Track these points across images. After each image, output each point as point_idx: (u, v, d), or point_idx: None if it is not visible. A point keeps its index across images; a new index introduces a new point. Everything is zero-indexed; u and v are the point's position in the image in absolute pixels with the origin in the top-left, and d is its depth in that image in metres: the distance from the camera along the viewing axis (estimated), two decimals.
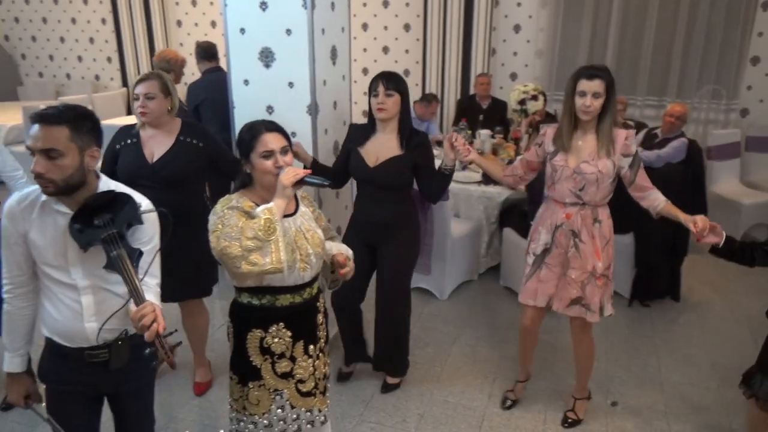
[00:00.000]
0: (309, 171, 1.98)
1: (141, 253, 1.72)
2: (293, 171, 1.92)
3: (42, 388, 1.92)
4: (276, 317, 2.01)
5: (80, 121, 1.66)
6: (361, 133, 2.89)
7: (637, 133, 5.07)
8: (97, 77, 8.75)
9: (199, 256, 2.73)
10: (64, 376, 1.84)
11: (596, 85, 2.44)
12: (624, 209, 3.09)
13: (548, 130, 2.69)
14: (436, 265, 4.16)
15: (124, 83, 8.42)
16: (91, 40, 8.59)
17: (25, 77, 9.20)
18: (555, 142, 2.63)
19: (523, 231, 4.05)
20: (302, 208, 2.07)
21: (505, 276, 4.39)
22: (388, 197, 2.83)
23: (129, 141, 2.79)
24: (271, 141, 1.92)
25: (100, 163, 1.80)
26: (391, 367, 3.20)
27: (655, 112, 6.06)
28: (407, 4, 6.86)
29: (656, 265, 4.02)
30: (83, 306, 1.75)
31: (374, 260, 2.99)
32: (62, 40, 8.77)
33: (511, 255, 4.25)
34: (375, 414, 3.02)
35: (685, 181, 4.17)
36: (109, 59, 8.55)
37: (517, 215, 4.28)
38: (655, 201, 2.57)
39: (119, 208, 1.70)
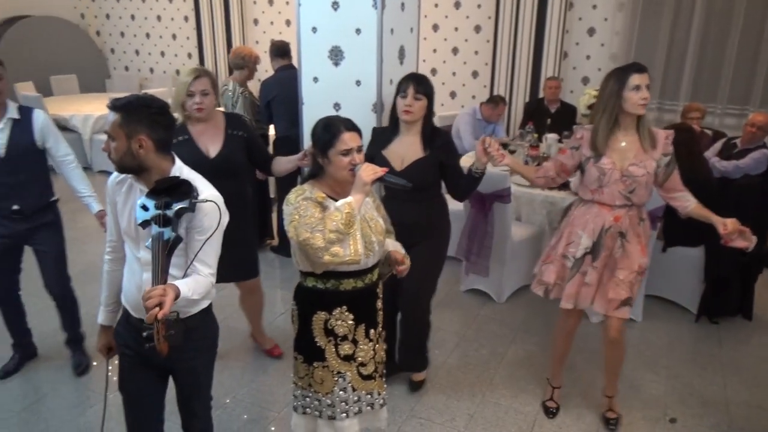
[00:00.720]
0: (386, 170, 2.05)
1: (180, 240, 1.78)
2: (372, 169, 2.00)
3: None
4: (340, 300, 2.09)
5: (132, 110, 1.78)
6: (383, 137, 2.89)
7: (714, 142, 4.87)
8: (177, 72, 9.18)
9: (252, 237, 2.89)
10: (129, 341, 1.99)
11: (647, 78, 2.47)
12: (694, 221, 3.00)
13: (585, 134, 2.66)
14: (494, 267, 4.14)
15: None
16: (174, 37, 9.04)
17: (112, 71, 9.79)
18: (593, 145, 2.60)
19: None
20: (366, 199, 2.14)
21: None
22: (417, 198, 2.81)
23: (180, 138, 2.87)
24: (350, 140, 2.01)
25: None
26: (416, 364, 3.21)
27: (736, 122, 5.78)
28: (479, 6, 6.83)
29: (727, 280, 3.85)
30: (143, 281, 1.88)
31: None
32: (148, 36, 9.27)
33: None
34: (425, 411, 3.05)
35: (765, 194, 3.98)
36: (189, 55, 8.97)
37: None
38: (686, 202, 2.59)
39: (177, 194, 1.80)
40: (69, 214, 3.44)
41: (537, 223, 4.37)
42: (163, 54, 9.24)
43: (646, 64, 6.32)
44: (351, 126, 2.05)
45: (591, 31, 6.44)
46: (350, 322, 2.12)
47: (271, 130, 4.83)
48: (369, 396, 2.21)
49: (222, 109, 4.33)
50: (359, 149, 2.04)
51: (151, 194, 1.78)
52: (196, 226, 1.84)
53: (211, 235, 1.84)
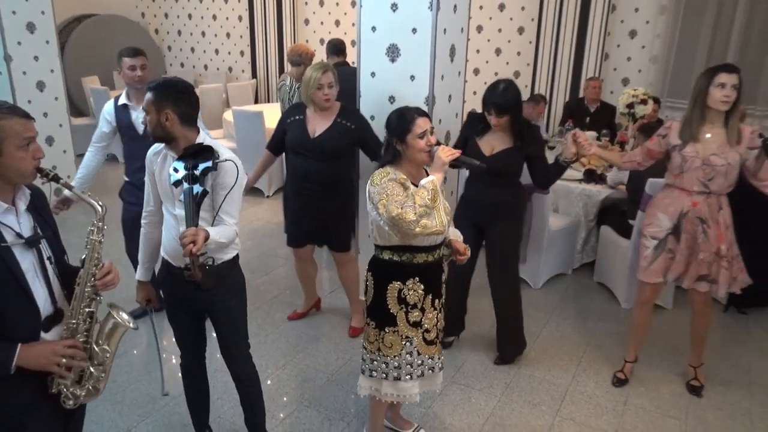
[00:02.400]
0: (461, 151, 2.35)
1: (206, 193, 2.15)
2: (449, 150, 2.28)
3: None
4: (413, 272, 2.37)
5: (160, 89, 2.16)
6: (479, 125, 3.18)
7: None
8: (230, 69, 9.65)
9: (348, 215, 3.42)
10: (170, 287, 2.39)
11: (735, 78, 2.72)
12: None
13: (674, 124, 2.95)
14: (531, 255, 4.40)
15: (254, 75, 9.24)
16: (228, 35, 9.50)
17: (169, 67, 10.32)
18: (682, 134, 2.88)
19: (622, 230, 4.19)
20: None
21: (600, 272, 4.54)
22: (499, 183, 3.13)
23: (297, 117, 3.37)
24: (424, 123, 2.29)
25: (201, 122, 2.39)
26: (509, 348, 3.48)
27: None
28: (523, 8, 7.06)
29: (758, 271, 4.00)
30: (180, 234, 2.19)
31: (480, 240, 3.31)
32: (203, 34, 9.76)
33: (608, 252, 4.39)
34: (465, 378, 3.34)
35: None
36: (242, 53, 9.41)
37: (617, 214, 4.41)
38: None
39: (202, 157, 2.16)
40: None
41: (573, 214, 4.61)
42: (217, 52, 9.71)
43: (685, 66, 6.55)
44: (421, 112, 2.33)
45: (632, 34, 6.60)
46: (420, 291, 2.39)
47: None
48: (430, 360, 2.50)
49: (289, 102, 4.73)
50: (432, 131, 2.31)
51: (180, 159, 2.16)
52: (219, 183, 2.20)
53: (231, 189, 2.20)
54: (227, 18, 9.39)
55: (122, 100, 3.53)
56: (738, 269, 3.00)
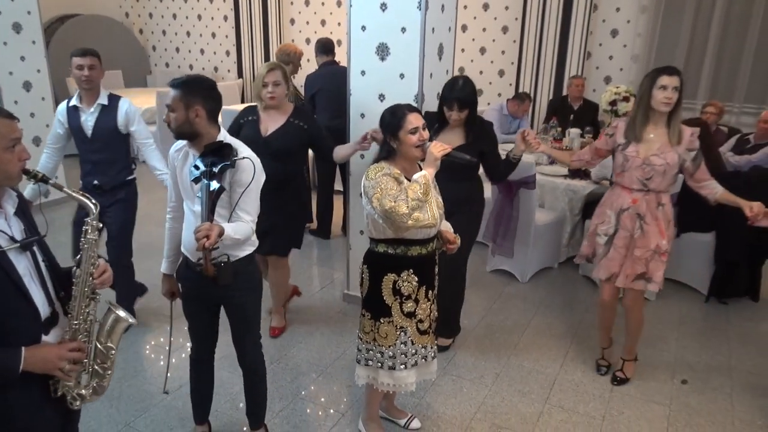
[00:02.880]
0: (452, 147, 2.42)
1: (223, 189, 2.20)
2: (441, 145, 2.35)
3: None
4: (407, 264, 2.44)
5: (190, 86, 2.20)
6: (434, 124, 3.21)
7: (730, 138, 5.16)
8: (215, 69, 9.65)
9: (291, 217, 3.38)
10: (189, 281, 2.44)
11: (676, 80, 2.81)
12: (705, 208, 3.34)
13: (620, 123, 3.04)
14: (519, 249, 4.49)
15: (240, 74, 9.25)
16: (213, 35, 9.50)
17: (153, 67, 10.29)
18: (627, 134, 2.97)
19: None
20: None
21: (585, 265, 4.63)
22: (456, 177, 3.09)
23: (251, 118, 3.40)
24: (415, 120, 2.35)
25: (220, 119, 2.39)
26: (446, 330, 3.54)
27: (753, 120, 5.99)
28: (507, 8, 7.17)
29: (736, 263, 4.15)
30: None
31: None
32: (188, 34, 9.75)
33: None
34: (456, 369, 3.41)
35: None
36: (227, 53, 9.42)
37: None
38: (714, 189, 2.94)
39: (222, 154, 2.21)
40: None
41: (559, 209, 4.71)
42: (202, 51, 9.70)
43: (665, 64, 6.72)
44: (413, 108, 2.41)
45: (614, 33, 6.74)
46: (415, 283, 2.46)
47: None
48: (424, 349, 2.57)
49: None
50: (424, 127, 2.38)
51: (201, 156, 2.20)
52: (237, 180, 2.25)
53: (247, 187, 2.25)
54: (212, 18, 9.39)
55: (73, 102, 3.44)
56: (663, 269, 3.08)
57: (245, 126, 3.40)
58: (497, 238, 4.44)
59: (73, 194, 1.74)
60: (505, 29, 7.26)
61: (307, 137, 3.40)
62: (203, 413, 2.76)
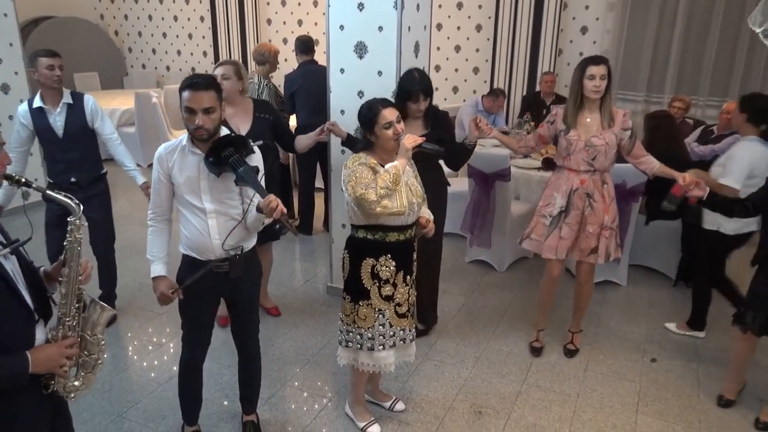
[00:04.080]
0: (425, 138, 2.55)
1: (258, 169, 2.32)
2: (413, 138, 2.48)
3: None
4: (385, 249, 2.56)
5: (217, 85, 2.29)
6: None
7: (694, 129, 5.38)
8: (193, 69, 9.67)
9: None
10: (197, 280, 2.40)
11: (603, 68, 3.05)
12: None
13: (559, 111, 3.27)
14: (496, 240, 4.65)
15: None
16: (190, 36, 9.52)
17: (130, 69, 10.27)
18: (565, 121, 3.20)
19: None
20: (407, 168, 2.60)
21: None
22: (426, 166, 3.18)
23: None
24: (390, 114, 2.47)
25: None
26: (423, 318, 3.70)
27: (716, 112, 6.24)
28: (480, 6, 7.34)
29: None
30: (209, 227, 2.36)
31: None
32: (164, 35, 9.75)
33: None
34: (438, 354, 3.55)
35: None
36: (204, 53, 9.45)
37: None
38: (651, 164, 3.20)
39: (237, 143, 2.30)
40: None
41: (533, 201, 4.86)
42: (179, 53, 9.72)
43: (633, 60, 6.98)
44: (388, 103, 2.54)
45: (584, 30, 6.95)
46: (392, 268, 2.58)
47: (293, 121, 5.33)
48: (402, 332, 2.69)
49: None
50: (398, 120, 2.51)
51: (213, 150, 2.26)
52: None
53: (260, 173, 2.35)
54: (189, 19, 9.41)
55: (37, 103, 3.43)
56: (615, 244, 3.33)
57: None
58: (474, 230, 4.58)
59: (56, 196, 1.73)
60: (479, 27, 7.43)
61: (273, 128, 3.52)
62: (196, 415, 2.78)
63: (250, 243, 2.49)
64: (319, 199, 5.61)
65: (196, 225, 2.37)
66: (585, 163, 3.19)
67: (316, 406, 3.07)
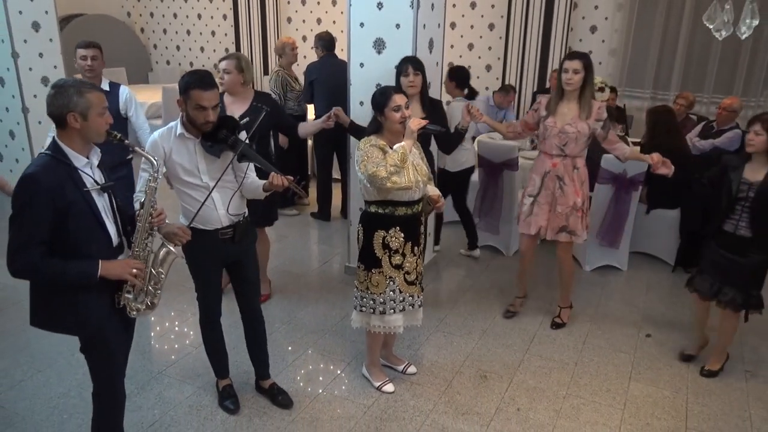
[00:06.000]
0: (428, 121, 2.86)
1: (252, 145, 2.63)
2: (418, 121, 2.80)
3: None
4: (394, 222, 2.86)
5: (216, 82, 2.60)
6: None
7: (697, 125, 5.62)
8: (215, 66, 10.00)
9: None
10: (205, 251, 2.72)
11: (575, 64, 3.38)
12: (671, 187, 3.82)
13: (543, 99, 3.59)
14: (503, 227, 4.92)
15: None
16: (213, 34, 9.88)
17: (155, 65, 10.66)
18: (547, 107, 3.52)
19: None
20: (414, 150, 2.91)
21: None
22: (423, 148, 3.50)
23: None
24: (399, 99, 2.78)
25: None
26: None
27: None
28: (493, 6, 7.61)
29: (698, 233, 4.59)
30: (214, 200, 2.66)
31: None
32: (188, 33, 10.12)
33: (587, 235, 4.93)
34: (447, 327, 3.84)
35: None
36: (226, 50, 9.78)
37: None
38: (624, 149, 3.54)
39: (228, 124, 2.60)
40: None
41: None
42: (202, 49, 10.08)
43: (641, 58, 7.25)
44: (398, 90, 2.86)
45: (593, 29, 7.20)
46: (401, 239, 2.89)
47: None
48: (411, 297, 3.00)
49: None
50: (407, 105, 2.81)
51: (209, 134, 2.56)
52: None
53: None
54: (212, 17, 9.77)
55: None
56: (585, 225, 3.64)
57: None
58: (482, 215, 4.87)
59: (141, 151, 2.30)
60: (491, 26, 7.70)
61: (269, 117, 3.73)
62: (227, 367, 3.10)
63: (246, 210, 2.85)
64: (336, 189, 5.91)
65: (200, 200, 2.59)
66: (557, 148, 3.51)
67: (337, 369, 3.38)
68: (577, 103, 3.47)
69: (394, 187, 2.73)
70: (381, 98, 2.81)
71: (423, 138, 3.07)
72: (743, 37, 4.19)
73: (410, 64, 3.56)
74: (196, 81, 2.50)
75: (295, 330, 3.78)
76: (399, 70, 3.61)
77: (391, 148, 2.80)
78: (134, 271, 2.13)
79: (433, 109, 3.68)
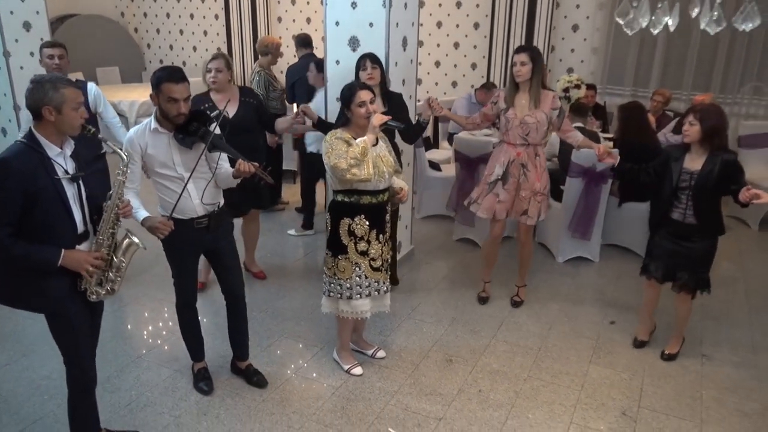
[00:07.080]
0: (390, 117, 2.99)
1: (222, 136, 2.78)
2: (380, 117, 2.94)
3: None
4: (359, 210, 3.01)
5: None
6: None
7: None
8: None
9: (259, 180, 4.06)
10: (183, 240, 2.85)
11: (522, 56, 3.58)
12: (642, 182, 3.94)
13: (501, 93, 3.76)
14: (479, 220, 5.02)
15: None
16: (205, 33, 10.02)
17: (148, 64, 10.80)
18: (505, 101, 3.69)
19: (555, 195, 4.88)
20: (380, 143, 3.06)
21: (540, 234, 5.22)
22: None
23: (207, 105, 3.80)
24: (364, 95, 2.92)
25: None
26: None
27: None
28: (477, 5, 7.74)
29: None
30: (188, 190, 2.79)
31: None
32: (181, 32, 10.27)
33: (547, 217, 5.07)
34: (419, 315, 3.99)
35: None
36: (218, 49, 9.91)
37: (551, 181, 5.09)
38: (576, 137, 3.78)
39: (199, 117, 2.75)
40: None
41: None
42: (195, 49, 10.23)
43: (621, 56, 7.43)
44: (364, 86, 3.00)
45: (575, 28, 7.34)
46: (366, 226, 3.03)
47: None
48: (377, 283, 3.14)
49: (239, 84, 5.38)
50: (372, 101, 2.95)
51: (182, 127, 2.70)
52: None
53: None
54: (204, 17, 9.91)
55: None
56: (545, 207, 3.86)
57: (208, 111, 3.92)
58: (458, 208, 5.01)
59: (111, 145, 2.46)
60: (476, 25, 7.84)
61: (257, 110, 3.97)
62: (202, 350, 3.23)
63: (222, 200, 2.98)
64: (320, 194, 6.01)
65: (177, 191, 2.74)
66: (520, 138, 3.69)
67: (309, 353, 3.52)
68: (529, 94, 3.64)
69: (354, 179, 2.88)
70: (347, 93, 2.96)
71: (387, 131, 3.23)
72: (655, 32, 4.60)
73: (368, 58, 3.73)
74: (167, 75, 2.65)
75: (272, 317, 3.92)
76: (358, 65, 3.76)
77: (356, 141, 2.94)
78: (90, 268, 2.28)
79: (393, 102, 3.82)
